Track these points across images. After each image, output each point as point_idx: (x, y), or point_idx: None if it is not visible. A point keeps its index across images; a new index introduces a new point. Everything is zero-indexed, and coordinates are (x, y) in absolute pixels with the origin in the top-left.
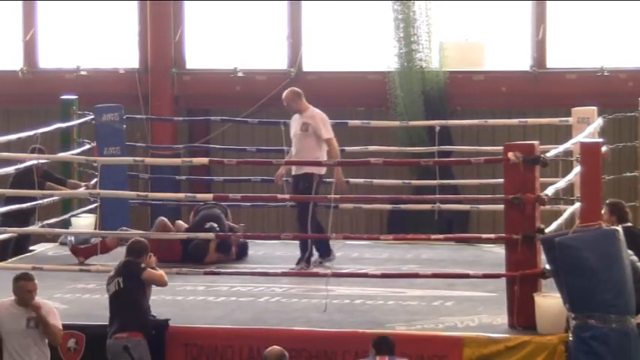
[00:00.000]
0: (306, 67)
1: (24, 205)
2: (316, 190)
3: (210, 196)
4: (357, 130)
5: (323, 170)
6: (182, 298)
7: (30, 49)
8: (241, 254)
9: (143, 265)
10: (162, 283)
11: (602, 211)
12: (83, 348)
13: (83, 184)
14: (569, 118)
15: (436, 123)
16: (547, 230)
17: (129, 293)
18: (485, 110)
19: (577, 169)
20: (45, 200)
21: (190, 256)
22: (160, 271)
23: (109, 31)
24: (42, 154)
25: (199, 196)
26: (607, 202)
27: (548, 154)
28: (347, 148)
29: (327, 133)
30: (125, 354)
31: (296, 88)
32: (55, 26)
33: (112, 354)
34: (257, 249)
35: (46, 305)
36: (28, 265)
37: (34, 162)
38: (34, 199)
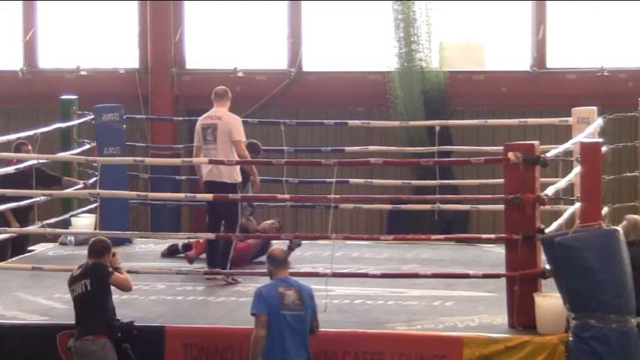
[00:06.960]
0: (306, 67)
1: (22, 204)
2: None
3: (210, 196)
4: (357, 130)
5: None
6: (182, 298)
7: (30, 49)
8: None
9: (111, 269)
10: (126, 288)
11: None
12: None
13: (81, 182)
14: (569, 118)
15: (436, 123)
16: (547, 230)
17: (95, 296)
18: (486, 110)
19: (577, 169)
20: (41, 198)
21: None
22: (126, 275)
23: (109, 31)
24: (27, 147)
25: (199, 196)
26: None
27: (548, 154)
28: (347, 148)
29: None
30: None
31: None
32: (55, 26)
33: (78, 356)
34: None
35: None
36: (28, 265)
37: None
38: (28, 197)
